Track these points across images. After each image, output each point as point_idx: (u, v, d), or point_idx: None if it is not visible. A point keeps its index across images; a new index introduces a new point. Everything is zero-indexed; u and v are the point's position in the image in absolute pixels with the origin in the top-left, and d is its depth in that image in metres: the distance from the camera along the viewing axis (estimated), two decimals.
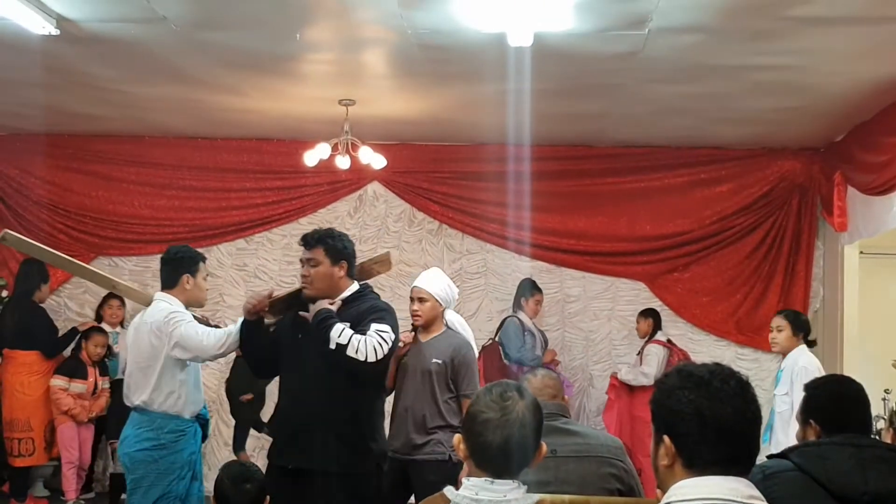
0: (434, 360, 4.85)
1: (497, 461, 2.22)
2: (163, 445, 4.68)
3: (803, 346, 5.96)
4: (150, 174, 8.47)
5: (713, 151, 8.22)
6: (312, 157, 7.25)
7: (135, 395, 4.76)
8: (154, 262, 8.42)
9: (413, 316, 4.98)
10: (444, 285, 5.02)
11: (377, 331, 4.18)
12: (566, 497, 2.96)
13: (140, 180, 8.48)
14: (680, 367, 1.98)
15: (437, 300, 4.94)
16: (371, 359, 4.10)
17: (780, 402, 5.87)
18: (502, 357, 7.60)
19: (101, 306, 7.96)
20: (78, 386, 7.35)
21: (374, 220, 8.55)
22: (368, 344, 4.12)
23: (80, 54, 5.83)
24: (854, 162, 7.12)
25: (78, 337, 7.58)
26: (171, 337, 4.67)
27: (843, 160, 7.37)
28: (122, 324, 7.88)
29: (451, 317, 5.08)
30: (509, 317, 7.75)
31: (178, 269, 4.96)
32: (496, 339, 7.77)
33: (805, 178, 8.17)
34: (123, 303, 7.81)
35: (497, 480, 2.20)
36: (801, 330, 5.98)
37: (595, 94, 6.56)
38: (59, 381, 7.31)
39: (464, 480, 2.24)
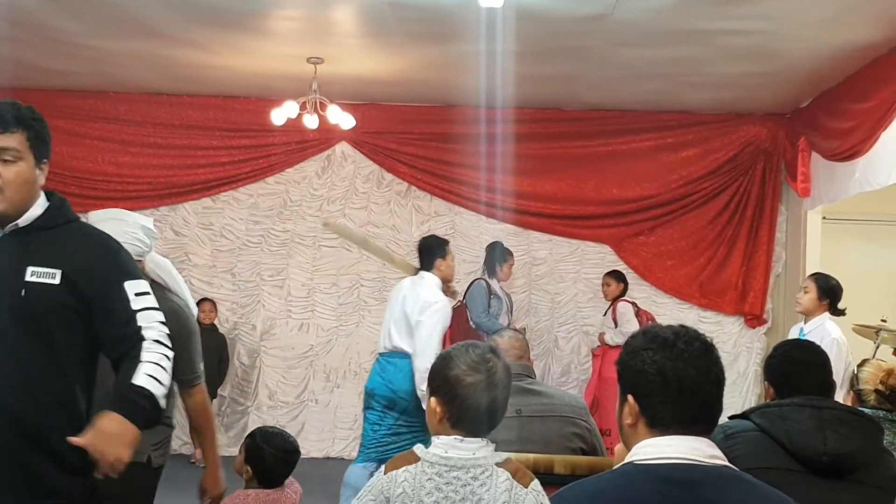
0: None
1: (478, 422, 2.25)
2: None
3: (830, 316, 5.72)
4: (114, 130, 8.36)
5: (681, 116, 8.26)
6: (280, 115, 7.20)
7: (405, 343, 5.58)
8: None
9: None
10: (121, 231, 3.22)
11: (148, 316, 2.58)
12: (530, 456, 2.99)
13: (104, 136, 8.37)
14: (646, 329, 2.00)
15: None
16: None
17: None
18: (468, 320, 7.62)
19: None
20: None
21: (342, 181, 8.52)
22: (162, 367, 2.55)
23: (45, 8, 5.74)
24: (819, 128, 7.18)
25: None
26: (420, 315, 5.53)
27: (808, 126, 7.44)
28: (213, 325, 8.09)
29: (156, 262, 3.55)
30: (476, 280, 7.76)
31: (433, 254, 5.81)
32: (463, 301, 7.79)
33: (770, 144, 8.23)
34: (215, 306, 8.07)
35: (466, 439, 2.23)
36: (828, 296, 5.82)
37: (565, 57, 6.55)
38: None
39: (434, 439, 2.26)
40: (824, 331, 5.66)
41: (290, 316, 8.49)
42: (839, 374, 5.12)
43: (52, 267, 2.51)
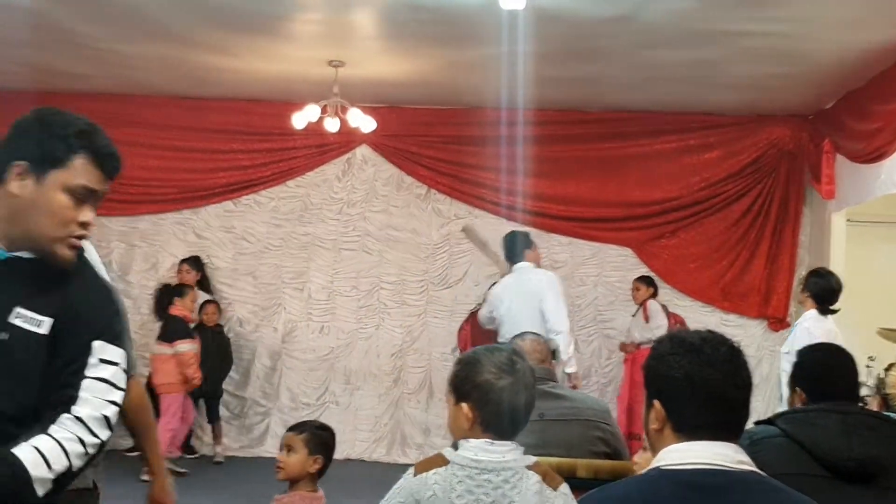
0: None
1: (508, 425, 2.26)
2: None
3: (813, 311, 5.84)
4: (137, 134, 8.37)
5: (703, 117, 8.21)
6: (301, 119, 7.22)
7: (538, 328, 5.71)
8: (141, 223, 8.46)
9: None
10: None
11: (96, 389, 2.08)
12: (553, 460, 2.97)
13: (127, 140, 8.32)
14: (672, 334, 1.99)
15: None
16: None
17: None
18: None
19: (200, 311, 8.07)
20: None
21: (362, 184, 8.52)
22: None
23: (67, 12, 5.78)
24: (843, 129, 7.12)
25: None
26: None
27: (833, 128, 7.38)
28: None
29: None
30: (496, 282, 7.74)
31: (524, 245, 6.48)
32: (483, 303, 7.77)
33: (794, 146, 8.17)
34: (219, 307, 8.12)
35: (497, 442, 2.23)
36: (808, 289, 5.89)
37: (587, 59, 6.53)
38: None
39: (462, 442, 2.26)
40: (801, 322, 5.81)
41: (310, 318, 8.51)
42: None
43: (43, 313, 2.09)
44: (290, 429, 3.46)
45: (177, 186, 8.45)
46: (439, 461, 2.25)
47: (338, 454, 3.53)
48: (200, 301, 8.01)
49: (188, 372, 7.36)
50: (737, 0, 5.19)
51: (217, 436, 8.12)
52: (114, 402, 2.09)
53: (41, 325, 2.08)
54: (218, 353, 7.98)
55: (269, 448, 8.22)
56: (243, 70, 7.20)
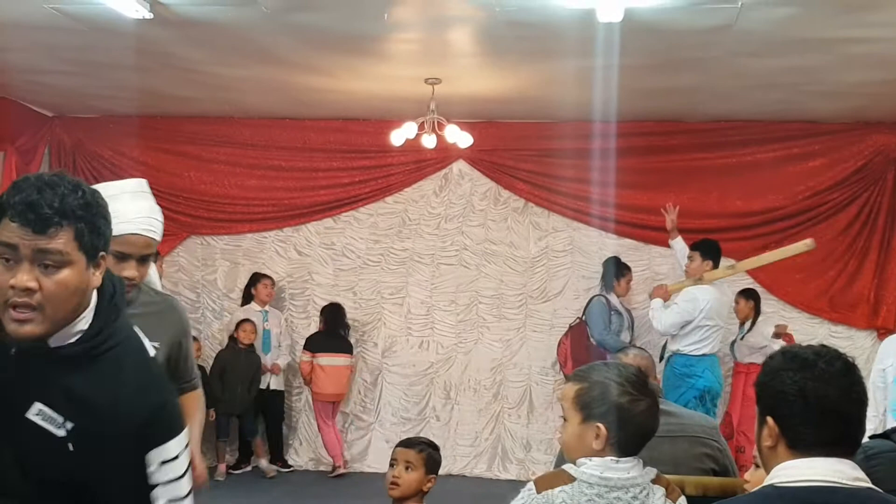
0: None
1: (637, 443, 2.28)
2: None
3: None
4: (239, 154, 8.63)
5: (806, 125, 8.02)
6: (399, 136, 7.31)
7: None
8: (244, 241, 8.68)
9: None
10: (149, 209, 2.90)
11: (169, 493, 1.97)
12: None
13: (230, 160, 8.65)
14: (785, 349, 1.96)
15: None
16: None
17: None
18: (589, 336, 7.58)
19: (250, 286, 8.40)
20: None
21: (459, 199, 8.57)
22: None
23: (172, 37, 5.95)
24: None
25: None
26: None
27: None
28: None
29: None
30: (595, 296, 7.71)
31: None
32: (583, 318, 7.74)
33: None
34: (255, 327, 8.21)
35: (621, 459, 2.23)
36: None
37: (685, 69, 6.45)
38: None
39: (584, 460, 2.25)
40: None
41: (410, 333, 8.58)
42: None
43: (62, 414, 1.88)
44: (405, 445, 3.47)
45: (278, 205, 8.63)
46: (564, 478, 2.24)
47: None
48: (239, 318, 8.22)
49: None
50: (838, 6, 5.06)
51: (257, 453, 8.31)
52: (187, 495, 1.99)
53: (61, 427, 1.88)
54: (248, 373, 8.10)
55: (371, 463, 8.31)
56: (342, 90, 7.32)
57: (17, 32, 5.84)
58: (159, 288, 3.15)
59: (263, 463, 8.23)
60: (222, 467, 8.05)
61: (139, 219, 2.74)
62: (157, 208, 2.90)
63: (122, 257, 2.69)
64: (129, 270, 2.69)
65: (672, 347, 7.17)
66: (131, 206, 2.73)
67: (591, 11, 5.06)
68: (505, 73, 6.75)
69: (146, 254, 2.80)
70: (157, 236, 2.83)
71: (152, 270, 3.04)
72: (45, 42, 6.08)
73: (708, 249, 7.24)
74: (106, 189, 2.38)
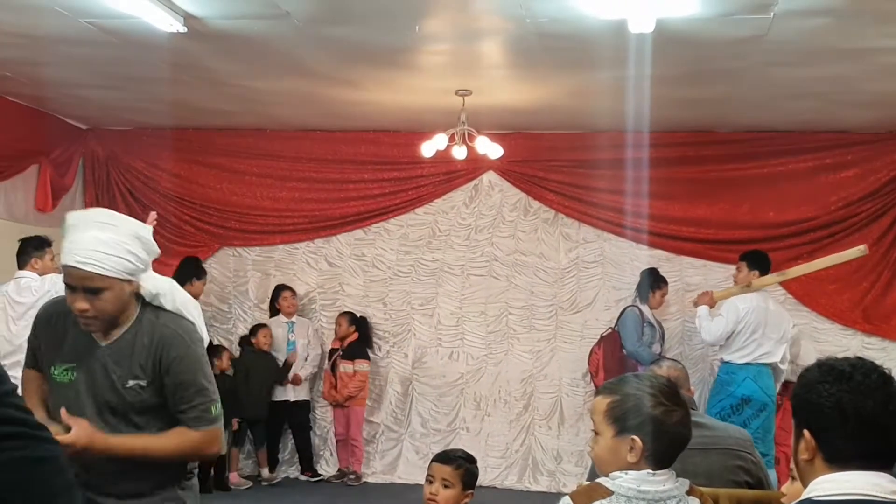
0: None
1: (671, 455, 2.28)
2: None
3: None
4: (271, 166, 8.69)
5: (838, 136, 7.96)
6: (429, 147, 7.33)
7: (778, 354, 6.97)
8: (276, 252, 8.73)
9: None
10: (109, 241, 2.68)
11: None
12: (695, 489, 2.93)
13: (262, 172, 8.71)
14: (821, 362, 1.95)
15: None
16: None
17: None
18: (622, 347, 7.54)
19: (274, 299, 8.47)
20: None
21: (489, 210, 8.57)
22: None
23: (205, 51, 6.00)
24: None
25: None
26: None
27: None
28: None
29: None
30: (629, 307, 7.67)
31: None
32: (615, 328, 7.71)
33: None
34: (271, 332, 8.30)
35: (657, 472, 2.23)
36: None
37: (717, 79, 6.43)
38: None
39: (619, 473, 2.25)
40: None
41: (440, 344, 8.58)
42: None
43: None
44: (441, 461, 3.44)
45: (310, 216, 8.68)
46: (601, 491, 2.23)
47: None
48: (256, 322, 8.37)
49: None
50: (870, 16, 5.02)
51: (261, 462, 8.34)
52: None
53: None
54: (265, 376, 8.16)
55: (402, 474, 8.31)
56: (373, 102, 7.36)
57: (52, 47, 5.91)
58: (170, 307, 2.84)
59: (265, 472, 8.31)
60: (234, 476, 8.12)
61: (79, 251, 2.60)
62: (117, 241, 2.65)
63: (69, 288, 2.68)
64: (79, 303, 2.65)
65: (719, 355, 7.25)
66: (78, 237, 2.63)
67: (623, 22, 5.05)
68: (535, 85, 6.76)
69: (91, 287, 2.62)
70: (105, 271, 2.61)
71: (177, 292, 2.89)
72: (80, 56, 6.15)
73: (755, 260, 7.23)
74: (69, 218, 2.72)
